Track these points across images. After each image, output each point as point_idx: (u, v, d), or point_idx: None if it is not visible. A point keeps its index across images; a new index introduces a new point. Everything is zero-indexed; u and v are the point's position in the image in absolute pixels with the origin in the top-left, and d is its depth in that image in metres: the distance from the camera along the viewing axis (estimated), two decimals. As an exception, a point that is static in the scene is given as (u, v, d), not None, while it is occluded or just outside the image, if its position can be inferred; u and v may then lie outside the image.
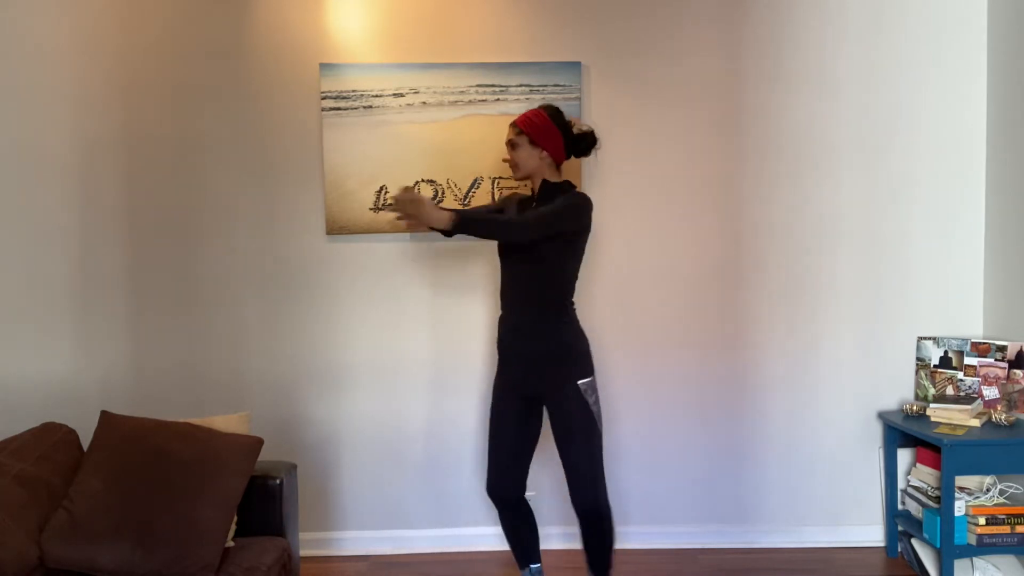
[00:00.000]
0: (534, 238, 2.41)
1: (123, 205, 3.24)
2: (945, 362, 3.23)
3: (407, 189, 2.31)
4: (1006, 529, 2.83)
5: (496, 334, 2.64)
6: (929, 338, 3.29)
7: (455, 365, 3.31)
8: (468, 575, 3.13)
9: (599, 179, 3.26)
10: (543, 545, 2.89)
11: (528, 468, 2.68)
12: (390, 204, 2.20)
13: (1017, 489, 2.96)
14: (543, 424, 2.64)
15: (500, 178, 3.22)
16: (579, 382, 2.48)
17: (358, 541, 3.34)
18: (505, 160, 2.63)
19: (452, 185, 3.24)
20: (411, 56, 3.23)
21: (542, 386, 2.53)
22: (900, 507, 3.23)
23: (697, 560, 3.24)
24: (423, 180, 3.24)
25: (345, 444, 3.33)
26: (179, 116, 3.23)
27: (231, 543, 2.36)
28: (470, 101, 3.22)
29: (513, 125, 2.58)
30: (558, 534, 3.30)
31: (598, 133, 2.67)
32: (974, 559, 2.93)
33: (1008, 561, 2.97)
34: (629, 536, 3.29)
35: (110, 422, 2.44)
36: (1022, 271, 3.05)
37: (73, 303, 3.25)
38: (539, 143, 2.54)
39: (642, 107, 3.27)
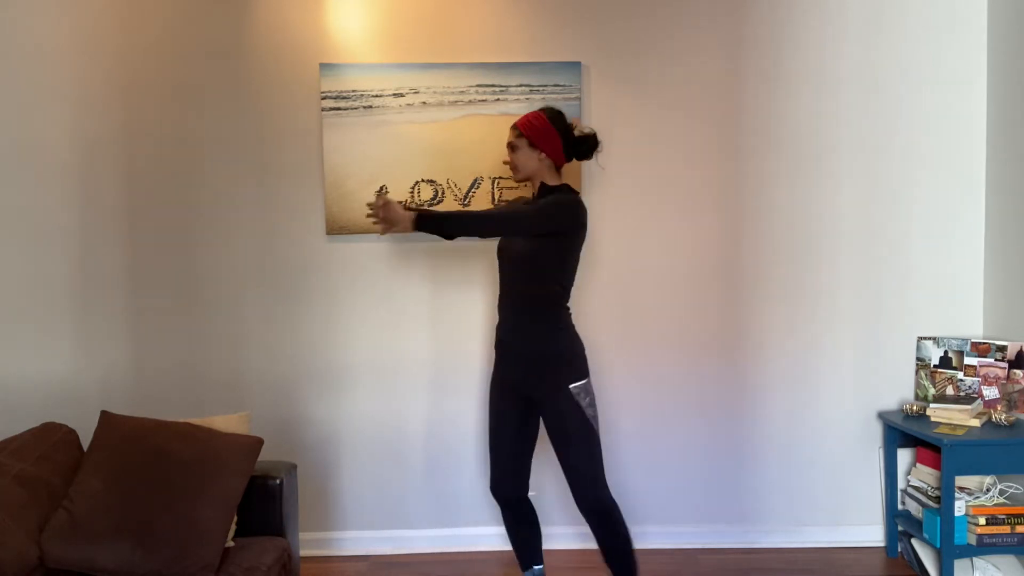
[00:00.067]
0: (497, 234, 2.53)
1: (123, 205, 3.24)
2: (945, 362, 3.23)
3: (378, 196, 2.46)
4: (1006, 529, 2.83)
5: (495, 334, 2.64)
6: (929, 338, 3.29)
7: (455, 365, 3.31)
8: (468, 575, 3.13)
9: (599, 179, 3.26)
10: (545, 545, 2.89)
11: (529, 467, 2.69)
12: (368, 214, 2.43)
13: (1017, 489, 2.96)
14: (541, 425, 2.64)
15: (500, 178, 3.22)
16: (571, 386, 2.47)
17: (358, 541, 3.34)
18: (505, 162, 2.64)
19: (452, 185, 3.24)
20: (411, 56, 3.23)
21: (536, 389, 2.53)
22: (900, 507, 3.23)
23: (697, 560, 3.24)
24: (423, 180, 3.24)
25: (345, 444, 3.33)
26: (179, 116, 3.23)
27: (231, 543, 2.36)
28: (470, 101, 3.22)
29: (513, 127, 2.58)
30: (561, 534, 3.30)
31: (598, 133, 2.67)
32: (974, 559, 2.93)
33: (1008, 561, 2.97)
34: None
35: (110, 422, 2.44)
36: (1022, 271, 3.05)
37: (73, 303, 3.25)
38: (538, 146, 2.54)
39: (642, 107, 3.27)
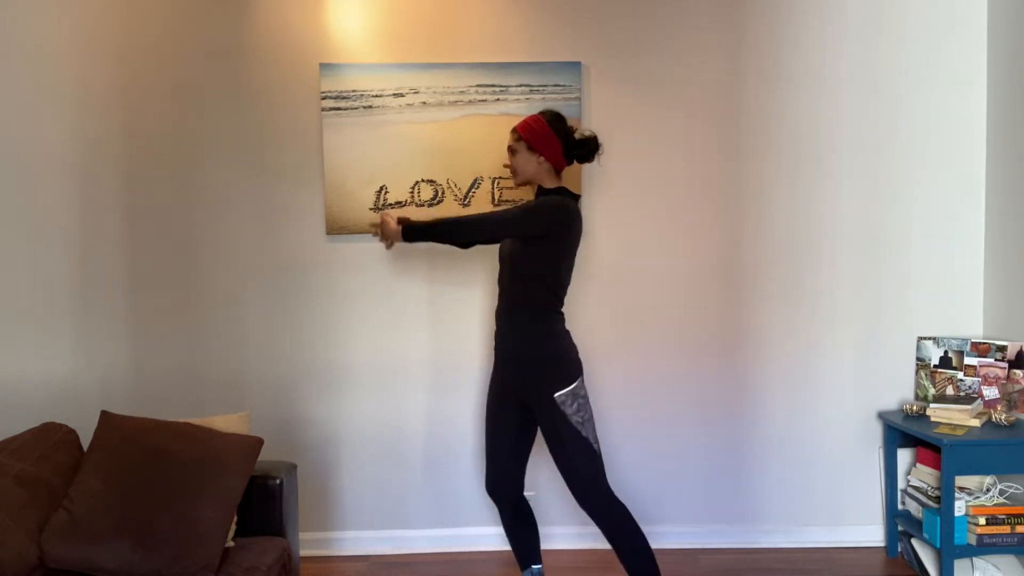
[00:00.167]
0: (482, 238, 2.60)
1: (123, 205, 3.24)
2: (945, 362, 3.23)
3: (381, 216, 2.67)
4: (1006, 529, 2.83)
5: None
6: (929, 338, 3.29)
7: (455, 365, 3.31)
8: (468, 575, 3.13)
9: (599, 179, 3.26)
10: (545, 545, 2.89)
11: (525, 467, 2.69)
12: (375, 235, 2.73)
13: (1017, 489, 2.96)
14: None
15: (500, 178, 3.22)
16: (556, 394, 2.45)
17: (358, 541, 3.34)
18: (506, 165, 2.64)
19: (452, 185, 3.24)
20: (411, 56, 3.23)
21: (525, 393, 2.53)
22: (900, 507, 3.23)
23: (697, 560, 3.24)
24: (423, 180, 3.24)
25: (345, 444, 3.33)
26: (179, 116, 3.23)
27: (231, 543, 2.36)
28: (470, 101, 3.22)
29: (513, 131, 2.59)
30: (560, 534, 3.30)
31: (598, 133, 2.67)
32: (974, 559, 2.93)
33: (1008, 561, 2.97)
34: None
35: (110, 422, 2.44)
36: (1022, 271, 3.05)
37: (73, 303, 3.25)
38: (537, 149, 2.54)
39: (642, 107, 3.27)
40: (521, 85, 3.21)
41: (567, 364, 2.50)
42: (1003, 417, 2.95)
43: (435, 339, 3.31)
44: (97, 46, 3.19)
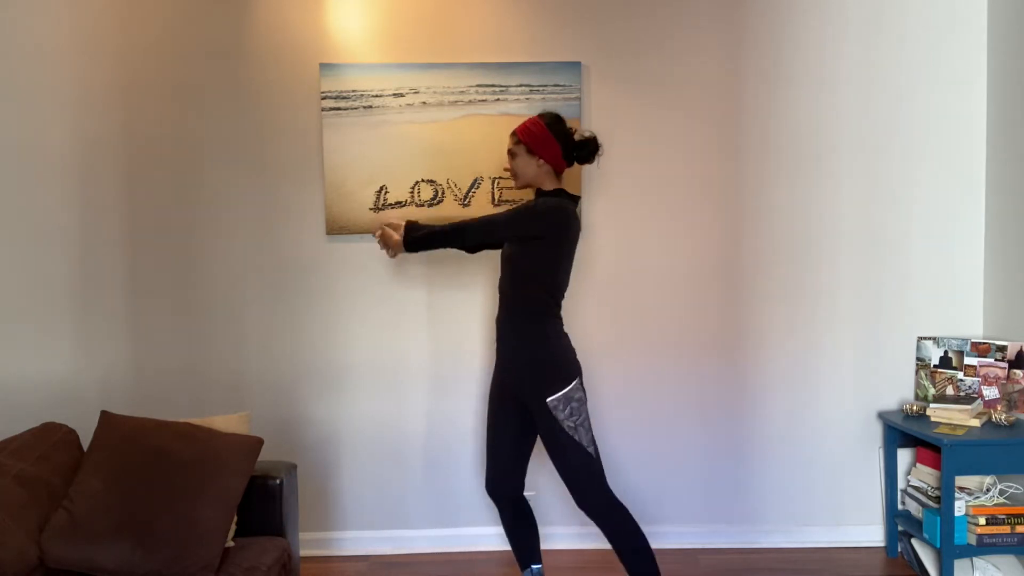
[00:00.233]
0: (477, 241, 2.58)
1: (123, 205, 3.24)
2: (945, 362, 3.23)
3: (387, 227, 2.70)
4: (1006, 529, 2.83)
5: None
6: (929, 338, 3.29)
7: (455, 365, 3.31)
8: (468, 575, 3.13)
9: (599, 180, 3.26)
10: (545, 545, 2.89)
11: (526, 467, 2.69)
12: (380, 245, 2.74)
13: (1017, 489, 2.96)
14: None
15: (500, 178, 3.22)
16: (548, 399, 2.45)
17: (358, 541, 3.34)
18: (506, 169, 2.65)
19: (452, 185, 3.24)
20: (411, 56, 3.23)
21: (522, 394, 2.54)
22: (900, 507, 3.23)
23: (697, 560, 3.24)
24: (423, 180, 3.24)
25: (345, 444, 3.33)
26: (179, 116, 3.23)
27: (231, 543, 2.36)
28: (470, 101, 3.22)
29: (512, 134, 2.59)
30: (560, 534, 3.30)
31: (598, 133, 2.67)
32: (974, 559, 2.93)
33: (1008, 561, 2.97)
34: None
35: (110, 422, 2.44)
36: (1022, 271, 3.05)
37: (73, 303, 3.25)
38: (537, 152, 2.54)
39: (642, 107, 3.27)
40: (521, 85, 3.21)
41: (563, 366, 2.50)
42: (1003, 417, 2.95)
43: (435, 339, 3.31)
44: (97, 46, 3.19)
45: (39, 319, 3.23)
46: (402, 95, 3.21)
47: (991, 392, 3.11)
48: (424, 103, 3.22)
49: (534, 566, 2.73)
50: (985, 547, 2.84)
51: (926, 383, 3.28)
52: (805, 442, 3.35)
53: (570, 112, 3.16)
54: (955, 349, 3.21)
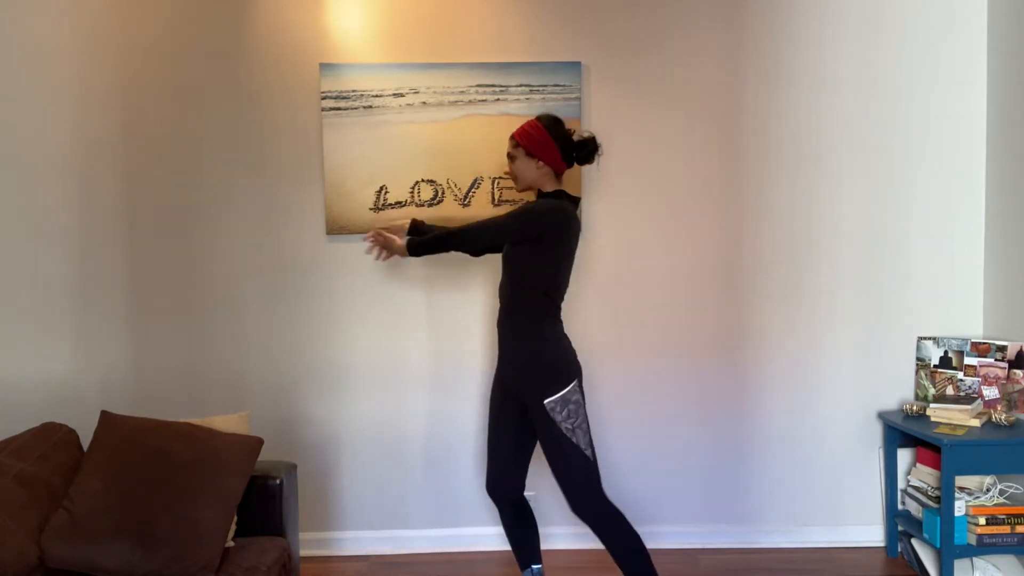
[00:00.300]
0: (478, 245, 2.61)
1: (123, 205, 3.24)
2: (945, 362, 3.23)
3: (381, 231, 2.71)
4: (1006, 529, 2.83)
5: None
6: (929, 338, 3.29)
7: (455, 365, 3.31)
8: (468, 575, 3.13)
9: (599, 180, 3.26)
10: (544, 545, 2.89)
11: (527, 468, 2.69)
12: (368, 250, 2.73)
13: (1017, 489, 2.96)
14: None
15: (500, 178, 3.22)
16: (546, 401, 2.45)
17: (358, 541, 3.34)
18: (506, 173, 2.65)
19: (452, 185, 3.24)
20: (411, 56, 3.23)
21: (522, 395, 2.54)
22: (900, 507, 3.23)
23: (697, 560, 3.24)
24: (423, 180, 3.24)
25: (345, 444, 3.33)
26: (179, 116, 3.23)
27: (231, 543, 2.36)
28: (470, 101, 3.22)
29: (511, 138, 2.60)
30: (559, 534, 3.30)
31: (598, 134, 2.67)
32: (974, 559, 2.93)
33: (1008, 561, 2.97)
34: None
35: (110, 422, 2.44)
36: (1022, 271, 3.05)
37: (73, 303, 3.25)
38: (536, 154, 2.55)
39: (642, 107, 3.27)
40: (521, 85, 3.21)
41: (561, 368, 2.49)
42: (1003, 417, 2.95)
43: (435, 339, 3.31)
44: (97, 46, 3.19)
45: (39, 319, 3.23)
46: (402, 95, 3.21)
47: (991, 392, 3.11)
48: (424, 103, 3.22)
49: (534, 566, 2.73)
50: (985, 547, 2.84)
51: (926, 383, 3.28)
52: (805, 442, 3.35)
53: (570, 112, 3.17)
54: (955, 349, 3.21)
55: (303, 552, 3.18)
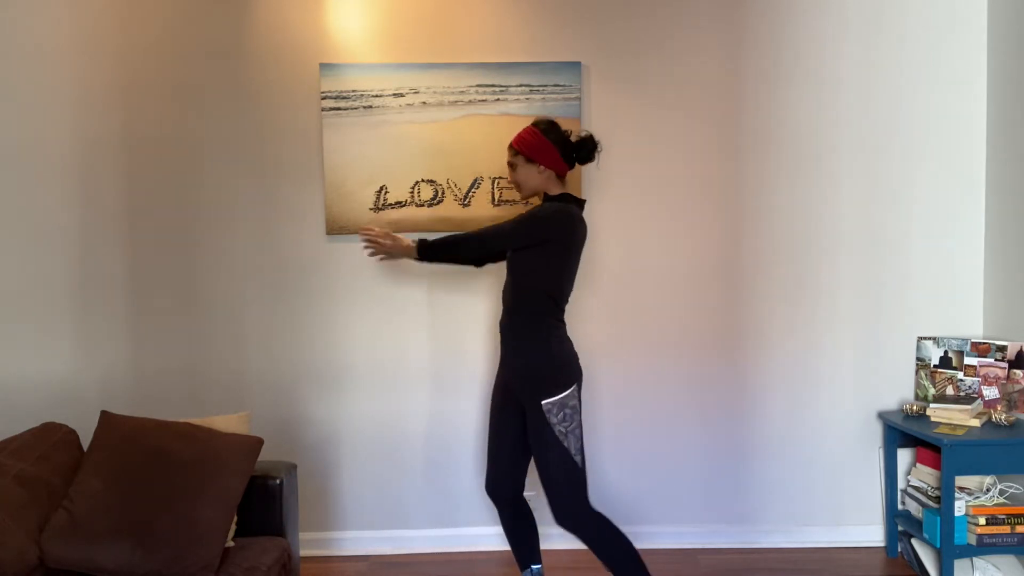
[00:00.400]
0: (484, 252, 2.59)
1: (123, 205, 3.24)
2: (945, 362, 3.23)
3: (375, 230, 2.65)
4: (1006, 529, 2.83)
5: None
6: (929, 338, 3.29)
7: (455, 365, 3.31)
8: (468, 575, 3.13)
9: (599, 180, 3.26)
10: (544, 545, 2.89)
11: (526, 468, 2.69)
12: (364, 247, 2.68)
13: (1017, 489, 2.96)
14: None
15: (500, 178, 3.22)
16: (544, 402, 2.44)
17: (358, 541, 3.34)
18: (509, 182, 2.65)
19: (452, 185, 3.24)
20: (411, 56, 3.23)
21: (521, 396, 2.54)
22: (900, 507, 3.23)
23: (697, 560, 3.24)
24: (423, 180, 3.24)
25: (345, 444, 3.33)
26: (179, 116, 3.23)
27: (231, 543, 2.36)
28: (470, 101, 3.22)
29: (509, 147, 2.60)
30: (559, 534, 3.28)
31: (598, 133, 2.67)
32: (974, 559, 2.93)
33: (1008, 561, 2.97)
34: (629, 537, 3.28)
35: (110, 422, 2.44)
36: (1022, 271, 3.05)
37: (73, 303, 3.25)
38: (536, 159, 2.55)
39: (642, 107, 3.27)
40: (521, 85, 3.21)
41: (561, 371, 2.49)
42: (1003, 417, 2.95)
43: (435, 339, 3.31)
44: (97, 46, 3.19)
45: (39, 319, 3.23)
46: (402, 95, 3.21)
47: (991, 392, 3.11)
48: (424, 103, 3.22)
49: (534, 566, 2.74)
50: (985, 547, 2.84)
51: (926, 383, 3.28)
52: (805, 442, 3.35)
53: (570, 112, 3.17)
54: (955, 349, 3.21)
55: (303, 552, 3.18)
